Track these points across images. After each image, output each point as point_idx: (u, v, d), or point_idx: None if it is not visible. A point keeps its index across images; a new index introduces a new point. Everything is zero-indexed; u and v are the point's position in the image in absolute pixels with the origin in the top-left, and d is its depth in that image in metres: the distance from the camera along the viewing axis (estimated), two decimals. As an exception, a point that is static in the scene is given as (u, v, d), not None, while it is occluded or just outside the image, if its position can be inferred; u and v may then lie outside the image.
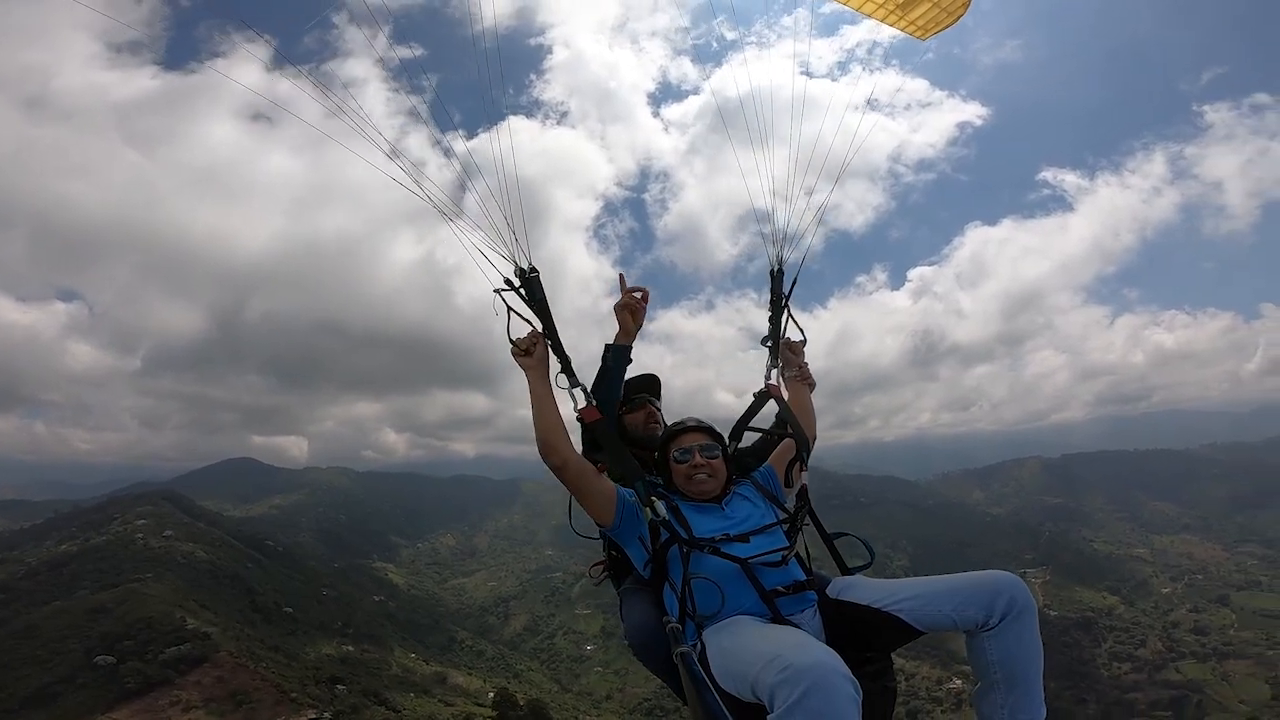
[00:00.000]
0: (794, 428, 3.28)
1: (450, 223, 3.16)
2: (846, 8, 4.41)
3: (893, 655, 2.78)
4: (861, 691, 1.94)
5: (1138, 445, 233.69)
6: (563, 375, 3.08)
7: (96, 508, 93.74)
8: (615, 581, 3.34)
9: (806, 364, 3.68)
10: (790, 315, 3.72)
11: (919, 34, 4.53)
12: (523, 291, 3.14)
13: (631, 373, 3.58)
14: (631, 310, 3.28)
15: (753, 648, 2.26)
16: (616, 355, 3.27)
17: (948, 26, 4.52)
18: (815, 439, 3.47)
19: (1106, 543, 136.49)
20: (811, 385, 3.69)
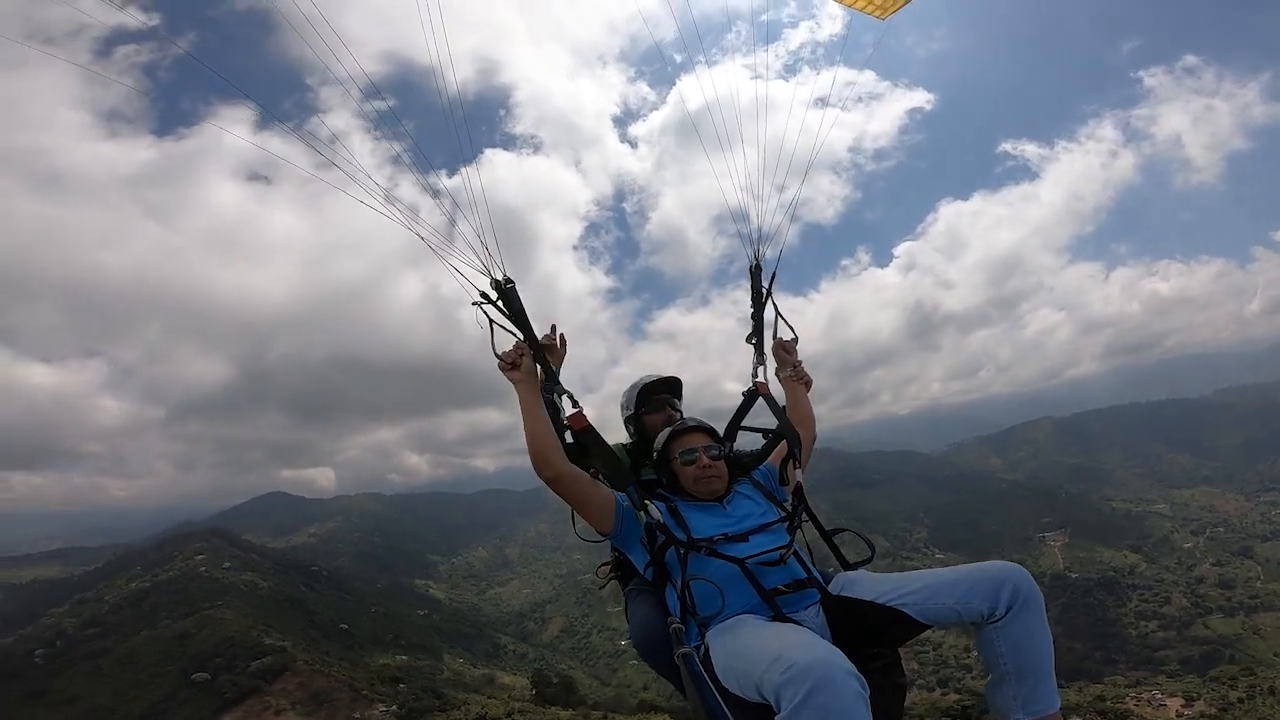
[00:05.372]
0: (784, 426, 3.29)
1: (425, 240, 3.10)
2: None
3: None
4: (868, 687, 1.93)
5: (1154, 395, 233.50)
6: (548, 383, 3.08)
7: (154, 547, 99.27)
8: (622, 583, 3.36)
9: (800, 362, 3.62)
10: (778, 312, 3.66)
11: (878, 13, 4.48)
12: (500, 303, 3.13)
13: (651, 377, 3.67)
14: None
15: (756, 648, 2.23)
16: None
17: (905, 4, 4.45)
18: (815, 438, 3.46)
19: (1125, 500, 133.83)
20: (808, 384, 3.61)
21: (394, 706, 44.79)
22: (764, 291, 3.70)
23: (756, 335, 3.66)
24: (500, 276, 3.15)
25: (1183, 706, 33.59)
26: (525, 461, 2.93)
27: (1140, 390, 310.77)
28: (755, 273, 3.73)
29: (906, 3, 4.44)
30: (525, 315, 3.14)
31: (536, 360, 3.09)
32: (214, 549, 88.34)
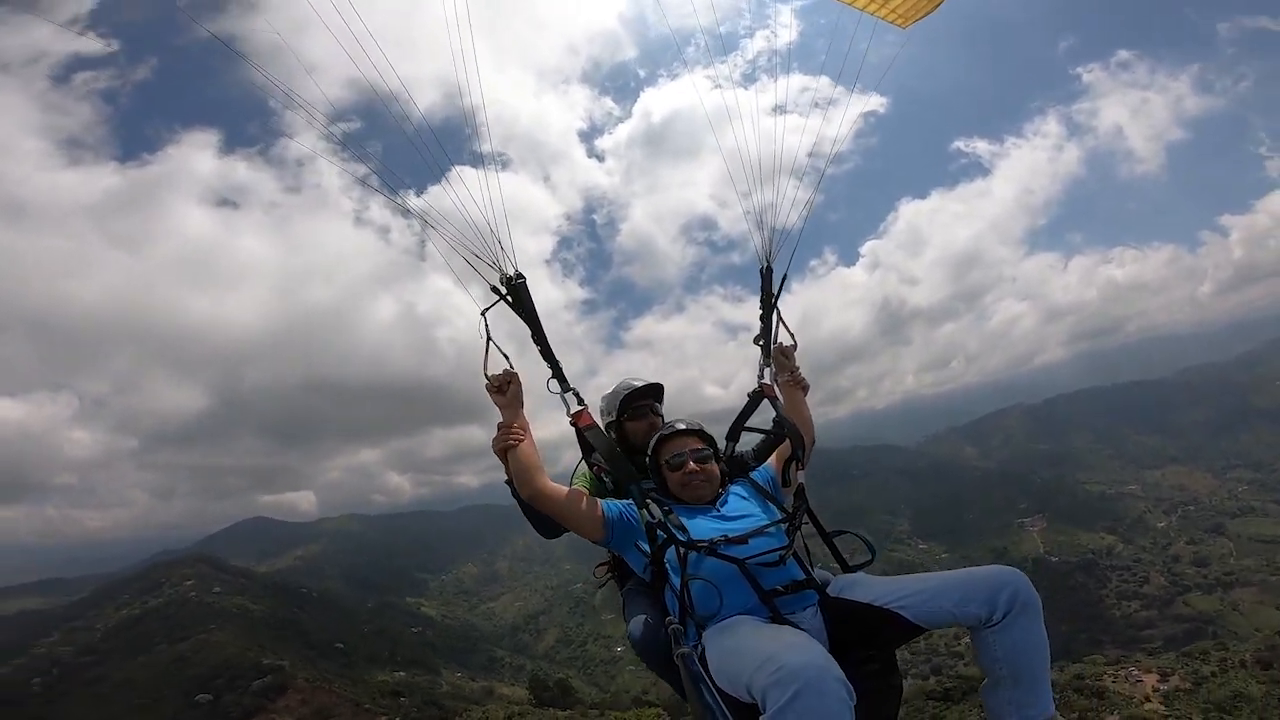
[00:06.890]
0: (789, 427, 3.28)
1: (437, 231, 3.09)
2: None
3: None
4: (855, 695, 1.94)
5: (1118, 378, 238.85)
6: (553, 381, 3.10)
7: (140, 575, 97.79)
8: (620, 582, 3.39)
9: (799, 368, 3.62)
10: (780, 318, 3.65)
11: (900, 22, 4.41)
12: (509, 299, 3.13)
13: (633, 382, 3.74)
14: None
15: (749, 649, 2.26)
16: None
17: (928, 13, 4.40)
18: (814, 442, 3.46)
19: (1098, 483, 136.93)
20: (805, 389, 3.62)
21: (397, 719, 45.33)
22: (773, 295, 3.68)
23: (764, 337, 3.66)
24: (511, 272, 3.16)
25: (1158, 682, 34.96)
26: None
27: (1105, 374, 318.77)
28: (765, 275, 3.73)
29: (928, 13, 4.40)
30: (535, 312, 3.15)
31: (544, 357, 3.15)
32: (201, 575, 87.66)
